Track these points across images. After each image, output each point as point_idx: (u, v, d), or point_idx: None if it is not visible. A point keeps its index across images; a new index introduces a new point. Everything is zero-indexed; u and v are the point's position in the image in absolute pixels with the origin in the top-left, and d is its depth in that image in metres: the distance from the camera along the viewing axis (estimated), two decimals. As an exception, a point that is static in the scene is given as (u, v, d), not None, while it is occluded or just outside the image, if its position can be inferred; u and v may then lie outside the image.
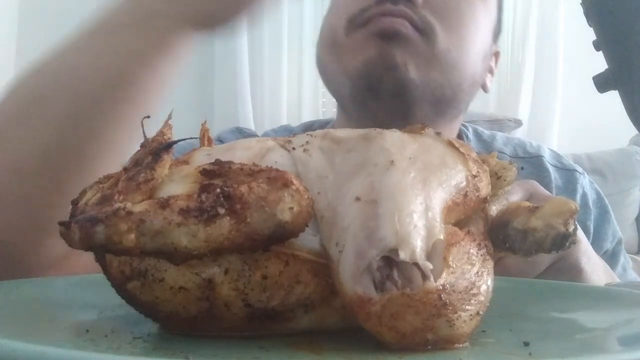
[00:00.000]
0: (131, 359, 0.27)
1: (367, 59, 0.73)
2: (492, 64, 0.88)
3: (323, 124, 0.99)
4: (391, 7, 0.73)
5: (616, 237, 0.91)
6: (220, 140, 0.92)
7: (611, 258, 0.88)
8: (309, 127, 0.97)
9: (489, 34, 0.82)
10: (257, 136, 0.96)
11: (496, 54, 0.90)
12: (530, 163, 0.94)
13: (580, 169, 0.95)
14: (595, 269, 0.59)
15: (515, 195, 0.42)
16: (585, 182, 0.93)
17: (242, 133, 0.98)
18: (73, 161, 0.52)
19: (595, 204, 0.92)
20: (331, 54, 0.79)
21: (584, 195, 0.91)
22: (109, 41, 0.55)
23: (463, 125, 0.95)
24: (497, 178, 0.40)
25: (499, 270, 0.36)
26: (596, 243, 0.87)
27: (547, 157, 0.95)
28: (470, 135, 0.96)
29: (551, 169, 0.93)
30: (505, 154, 0.94)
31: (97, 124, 0.53)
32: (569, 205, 0.36)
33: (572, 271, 0.56)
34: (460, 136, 0.92)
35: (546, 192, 0.60)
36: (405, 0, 0.72)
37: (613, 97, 0.54)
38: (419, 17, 0.73)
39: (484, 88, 0.87)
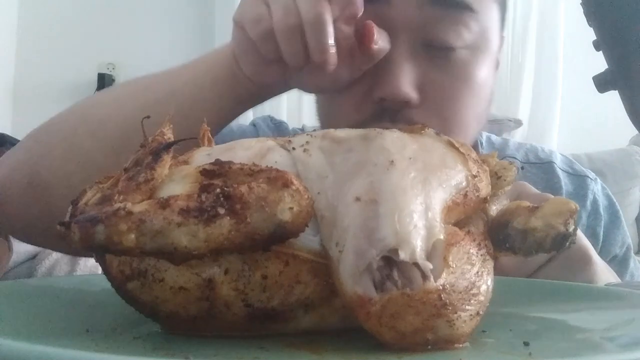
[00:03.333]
0: (131, 359, 0.27)
1: None
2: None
3: None
4: (390, 127, 0.69)
5: (626, 243, 0.91)
6: (254, 125, 1.00)
7: (620, 264, 0.88)
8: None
9: (492, 79, 0.77)
10: (288, 128, 1.01)
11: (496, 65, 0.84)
12: (542, 169, 0.94)
13: (592, 175, 0.96)
14: (602, 263, 0.59)
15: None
16: (597, 188, 0.93)
17: (273, 121, 1.02)
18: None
19: (606, 209, 0.92)
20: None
21: (595, 201, 0.92)
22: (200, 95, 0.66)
23: None
24: (497, 178, 0.40)
25: (497, 269, 0.36)
26: (605, 247, 0.88)
27: (559, 163, 0.95)
28: (484, 141, 0.97)
29: (562, 175, 0.94)
30: (517, 159, 0.94)
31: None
32: (568, 205, 0.36)
33: (580, 259, 0.56)
34: (475, 144, 0.91)
35: (535, 191, 0.60)
36: (402, 114, 0.68)
37: (613, 97, 0.54)
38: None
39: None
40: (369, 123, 0.69)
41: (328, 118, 0.78)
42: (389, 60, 0.68)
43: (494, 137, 1.00)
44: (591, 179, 0.94)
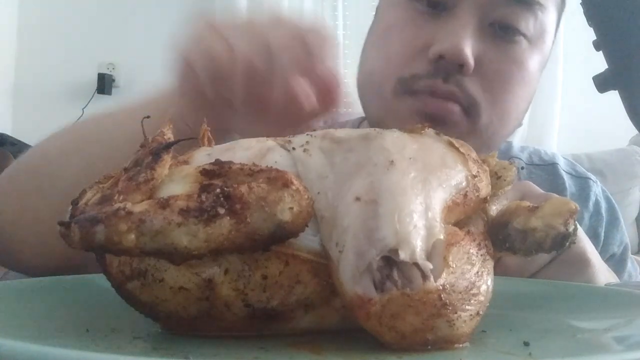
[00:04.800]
0: (131, 359, 0.27)
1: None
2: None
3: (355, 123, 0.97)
4: (441, 85, 0.69)
5: (624, 242, 0.92)
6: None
7: (618, 264, 0.89)
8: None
9: (539, 75, 0.78)
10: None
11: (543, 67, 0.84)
12: (546, 170, 0.96)
13: (593, 177, 0.98)
14: (601, 264, 0.59)
15: (508, 196, 0.42)
16: (598, 190, 0.95)
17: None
18: None
19: (607, 211, 0.93)
20: (377, 101, 0.76)
21: (597, 203, 0.93)
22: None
23: None
24: (497, 178, 0.40)
25: (498, 269, 0.36)
26: (604, 247, 0.89)
27: (562, 165, 0.97)
28: None
29: (565, 177, 0.95)
30: (522, 160, 0.95)
31: None
32: (568, 205, 0.36)
33: (578, 262, 0.56)
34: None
35: (540, 191, 0.60)
36: (455, 78, 0.69)
37: (613, 97, 0.55)
38: (465, 96, 0.70)
39: None
40: (422, 79, 0.70)
41: (372, 75, 0.77)
42: (454, 24, 0.69)
43: None
44: (593, 180, 0.96)
